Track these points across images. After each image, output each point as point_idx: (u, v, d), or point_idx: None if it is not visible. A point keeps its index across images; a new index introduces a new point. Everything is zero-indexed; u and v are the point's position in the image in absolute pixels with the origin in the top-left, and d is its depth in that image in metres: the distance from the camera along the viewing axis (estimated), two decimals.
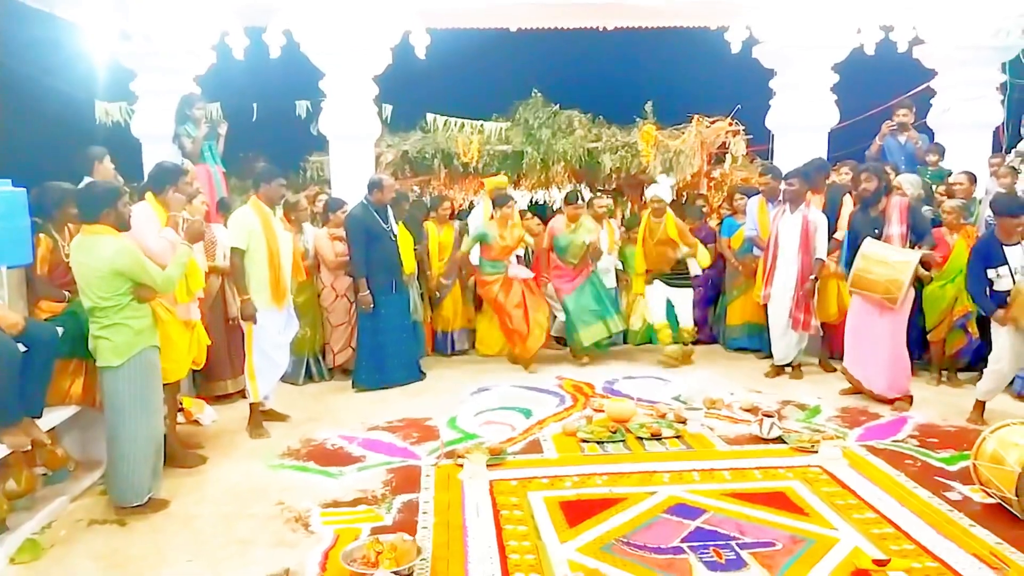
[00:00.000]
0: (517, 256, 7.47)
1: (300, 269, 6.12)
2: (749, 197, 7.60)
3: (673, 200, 8.74)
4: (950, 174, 7.45)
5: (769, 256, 6.72)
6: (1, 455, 3.79)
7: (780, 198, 7.06)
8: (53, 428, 4.30)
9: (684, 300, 7.40)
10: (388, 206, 6.76)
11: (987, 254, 5.30)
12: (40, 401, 4.03)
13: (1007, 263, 5.21)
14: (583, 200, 7.50)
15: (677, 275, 7.34)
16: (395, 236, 6.74)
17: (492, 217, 7.29)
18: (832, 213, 6.73)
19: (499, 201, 7.21)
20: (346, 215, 6.72)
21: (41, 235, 4.48)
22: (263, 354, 5.48)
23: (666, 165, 8.53)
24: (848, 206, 6.61)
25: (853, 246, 5.95)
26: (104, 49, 7.69)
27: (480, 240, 7.14)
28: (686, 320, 7.41)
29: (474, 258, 7.37)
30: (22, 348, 3.81)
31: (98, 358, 4.06)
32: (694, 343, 8.13)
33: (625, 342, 8.08)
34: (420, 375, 6.95)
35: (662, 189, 7.36)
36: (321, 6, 7.61)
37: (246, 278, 5.36)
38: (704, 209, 8.42)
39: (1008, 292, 5.17)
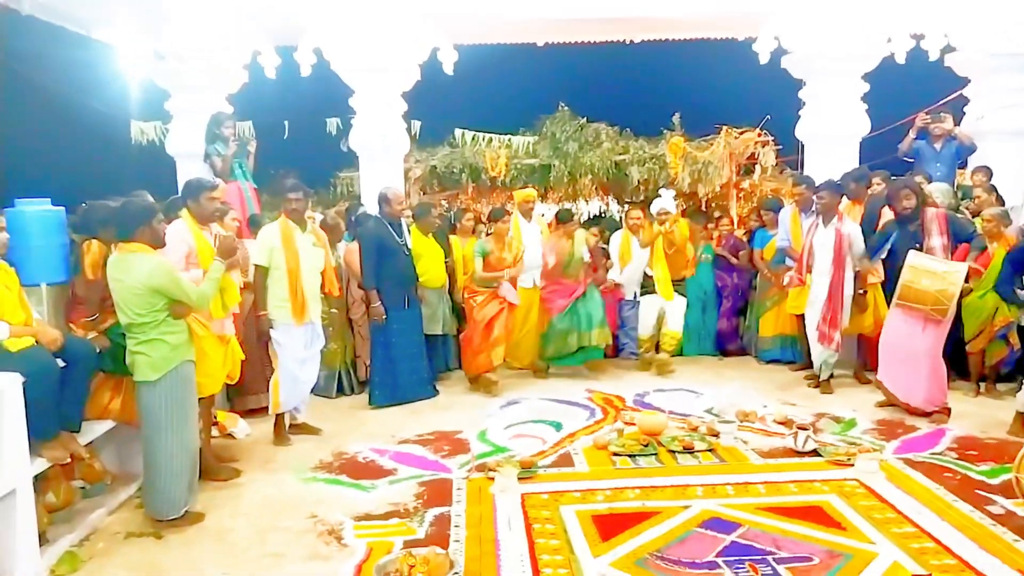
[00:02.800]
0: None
1: (334, 284, 6.13)
2: (776, 211, 7.54)
3: (700, 210, 8.73)
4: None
5: (803, 268, 6.63)
6: (40, 469, 3.86)
7: (814, 208, 7.00)
8: (91, 442, 4.37)
9: (679, 305, 7.45)
10: (403, 220, 6.78)
11: (1022, 261, 5.19)
12: (78, 416, 4.10)
13: None
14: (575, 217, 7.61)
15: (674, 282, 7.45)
16: (409, 251, 6.71)
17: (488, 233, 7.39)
18: (870, 224, 6.63)
19: (495, 215, 7.21)
20: (360, 229, 6.76)
21: (94, 240, 4.55)
22: (285, 369, 5.53)
23: (694, 176, 8.49)
24: (887, 218, 6.51)
25: (894, 263, 5.90)
26: (138, 69, 7.85)
27: (482, 255, 7.12)
28: (676, 325, 7.42)
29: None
30: (61, 363, 3.89)
31: (135, 373, 4.11)
32: (724, 355, 8.11)
33: (657, 352, 8.01)
34: (433, 391, 6.86)
35: (667, 202, 7.40)
36: (351, 25, 7.71)
37: (266, 294, 5.45)
38: (723, 220, 8.40)
39: None
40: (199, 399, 4.51)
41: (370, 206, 7.34)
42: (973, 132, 8.06)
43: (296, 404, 5.74)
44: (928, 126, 7.89)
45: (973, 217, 6.69)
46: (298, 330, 5.57)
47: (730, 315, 8.20)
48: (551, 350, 7.41)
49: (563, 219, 7.39)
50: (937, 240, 5.85)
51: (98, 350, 4.23)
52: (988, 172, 7.45)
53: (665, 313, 7.46)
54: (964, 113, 8.36)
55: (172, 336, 4.13)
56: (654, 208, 7.42)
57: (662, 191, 7.71)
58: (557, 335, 7.32)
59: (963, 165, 7.74)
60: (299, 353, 5.60)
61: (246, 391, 6.23)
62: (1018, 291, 5.17)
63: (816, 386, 6.75)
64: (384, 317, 6.48)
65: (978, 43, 7.97)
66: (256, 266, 5.50)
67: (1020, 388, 5.49)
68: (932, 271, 5.66)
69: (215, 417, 5.52)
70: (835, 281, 6.40)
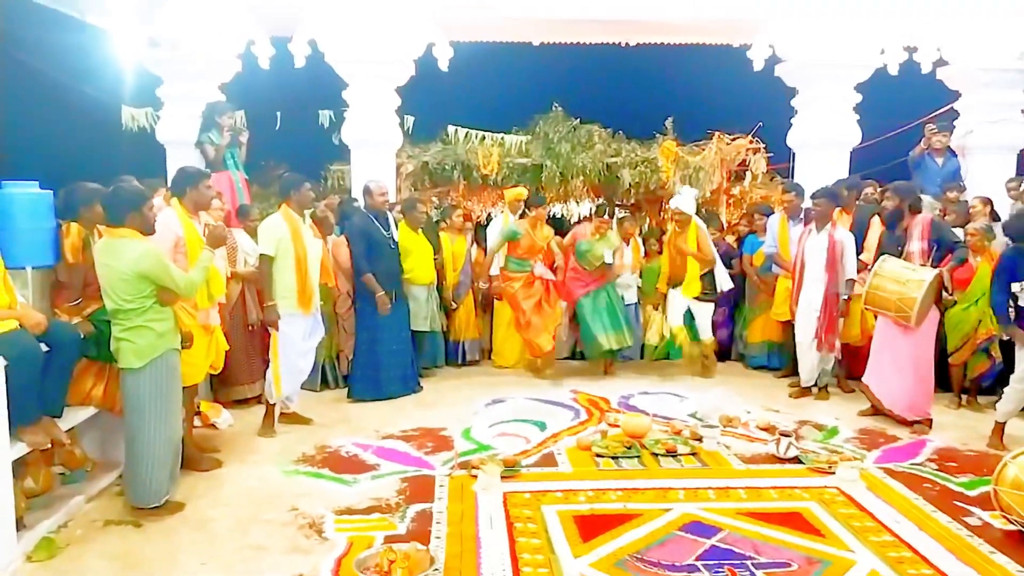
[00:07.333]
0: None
1: (329, 274, 6.20)
2: (767, 216, 7.58)
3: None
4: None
5: (796, 275, 6.67)
6: (20, 453, 3.83)
7: (802, 216, 7.03)
8: (72, 428, 4.35)
9: (704, 312, 7.36)
10: (389, 215, 6.77)
11: (1013, 268, 5.23)
12: (60, 401, 4.08)
13: None
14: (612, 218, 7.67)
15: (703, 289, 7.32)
16: (395, 244, 6.70)
17: (523, 216, 7.44)
18: (859, 233, 6.68)
19: (535, 202, 7.39)
20: (348, 223, 6.75)
21: (73, 224, 4.51)
22: (287, 360, 5.55)
23: (685, 181, 8.51)
24: (876, 227, 6.55)
25: None
26: (132, 55, 7.79)
27: (510, 238, 7.22)
28: (706, 332, 7.38)
29: (494, 268, 7.47)
30: (44, 348, 3.86)
31: (120, 360, 4.09)
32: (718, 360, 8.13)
33: (641, 357, 8.05)
34: (417, 387, 6.88)
35: (684, 201, 7.24)
36: (346, 17, 7.69)
37: (272, 284, 5.45)
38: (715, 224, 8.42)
39: None
40: (183, 388, 4.48)
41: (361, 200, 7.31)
42: (961, 147, 8.13)
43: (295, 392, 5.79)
44: (933, 136, 7.92)
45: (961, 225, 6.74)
46: (303, 320, 5.59)
47: (724, 324, 8.22)
48: (605, 340, 7.28)
49: (599, 213, 7.59)
50: (917, 244, 5.90)
51: (82, 335, 4.20)
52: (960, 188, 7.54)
53: (694, 317, 7.40)
54: (954, 127, 8.43)
55: (158, 324, 4.11)
56: (671, 205, 7.36)
57: (683, 189, 7.64)
58: (600, 322, 7.27)
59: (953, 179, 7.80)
60: (300, 345, 5.63)
61: (230, 382, 6.21)
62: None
63: (801, 396, 6.76)
64: (389, 307, 6.49)
65: (969, 58, 8.03)
66: (262, 256, 5.48)
67: (999, 400, 5.55)
68: (897, 278, 5.67)
69: (198, 407, 5.49)
70: (828, 286, 6.43)
